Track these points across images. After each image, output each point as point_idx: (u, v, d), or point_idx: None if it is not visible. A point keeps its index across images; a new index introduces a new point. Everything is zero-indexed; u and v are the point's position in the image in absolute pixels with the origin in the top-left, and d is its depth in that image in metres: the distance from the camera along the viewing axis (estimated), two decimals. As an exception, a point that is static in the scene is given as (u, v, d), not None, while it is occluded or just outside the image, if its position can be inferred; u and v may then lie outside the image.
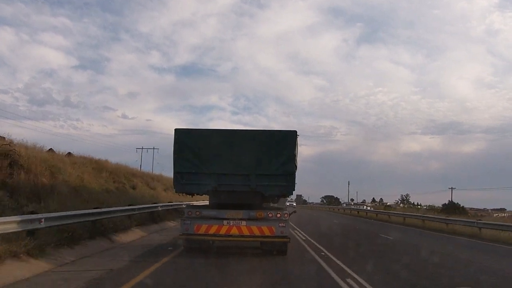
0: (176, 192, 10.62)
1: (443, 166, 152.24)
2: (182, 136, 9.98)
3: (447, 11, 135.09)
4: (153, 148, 61.64)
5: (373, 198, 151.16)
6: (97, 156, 21.50)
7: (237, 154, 9.86)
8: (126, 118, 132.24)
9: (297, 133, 10.12)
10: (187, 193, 10.87)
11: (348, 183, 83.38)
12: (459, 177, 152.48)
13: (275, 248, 10.00)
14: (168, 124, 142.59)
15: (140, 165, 50.60)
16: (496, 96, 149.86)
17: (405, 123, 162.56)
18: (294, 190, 10.26)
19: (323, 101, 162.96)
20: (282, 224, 9.60)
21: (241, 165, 9.78)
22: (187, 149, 9.87)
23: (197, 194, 11.21)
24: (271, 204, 11.86)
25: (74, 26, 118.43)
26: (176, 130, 10.02)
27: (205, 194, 10.72)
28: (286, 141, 9.94)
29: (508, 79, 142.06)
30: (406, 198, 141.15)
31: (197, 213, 9.69)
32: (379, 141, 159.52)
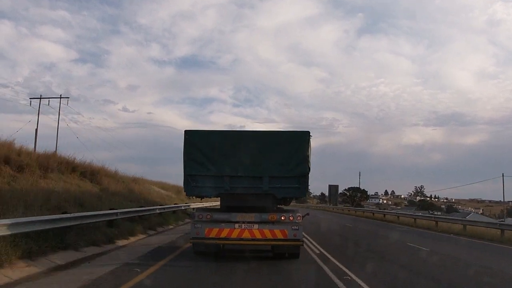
0: (187, 195, 10.40)
1: (446, 157, 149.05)
2: (192, 138, 9.78)
3: (449, 1, 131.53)
4: (60, 97, 36.58)
5: (386, 190, 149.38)
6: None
7: (249, 155, 9.65)
8: (126, 111, 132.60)
9: (310, 134, 9.90)
10: (197, 196, 10.69)
11: (359, 174, 78.88)
12: (463, 169, 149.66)
13: (287, 252, 9.88)
14: (168, 117, 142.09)
15: (35, 137, 32.26)
16: (498, 87, 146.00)
17: (407, 115, 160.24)
18: (307, 192, 10.04)
19: (324, 93, 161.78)
20: (295, 227, 9.42)
21: (253, 167, 9.61)
22: (197, 151, 9.68)
23: (208, 197, 10.96)
24: (283, 207, 11.66)
25: (73, 19, 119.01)
26: (186, 131, 9.84)
27: (216, 197, 10.51)
28: (298, 142, 9.73)
29: (510, 70, 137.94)
30: (421, 190, 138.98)
31: (208, 216, 9.51)
32: (381, 133, 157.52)
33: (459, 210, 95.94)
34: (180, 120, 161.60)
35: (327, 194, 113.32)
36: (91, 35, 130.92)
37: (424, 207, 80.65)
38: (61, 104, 36.10)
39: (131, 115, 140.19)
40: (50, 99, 36.41)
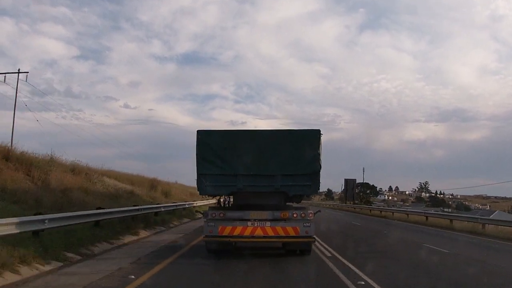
0: (200, 194, 10.72)
1: (448, 153, 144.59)
2: (205, 138, 9.83)
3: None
4: (17, 72, 29.96)
5: (390, 186, 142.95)
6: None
7: (261, 154, 9.75)
8: (128, 107, 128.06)
9: (321, 132, 9.96)
10: (211, 195, 11.59)
11: (363, 169, 71.63)
12: (463, 165, 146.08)
13: (299, 248, 10.05)
14: (170, 114, 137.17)
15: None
16: (500, 83, 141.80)
17: (409, 111, 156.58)
18: (319, 189, 10.23)
19: (325, 89, 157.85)
20: (307, 224, 9.53)
21: (265, 166, 9.69)
22: (210, 151, 9.75)
23: (220, 196, 11.46)
24: (294, 204, 11.45)
25: (74, 15, 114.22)
26: (198, 131, 9.87)
27: (229, 195, 10.93)
28: (310, 140, 9.81)
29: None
30: (425, 186, 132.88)
31: (221, 214, 9.62)
32: (383, 128, 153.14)
33: (471, 208, 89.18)
34: (181, 117, 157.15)
35: (333, 190, 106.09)
36: (92, 32, 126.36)
37: (435, 204, 73.80)
38: (19, 80, 29.62)
39: (133, 112, 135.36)
40: (7, 74, 30.35)
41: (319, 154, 9.70)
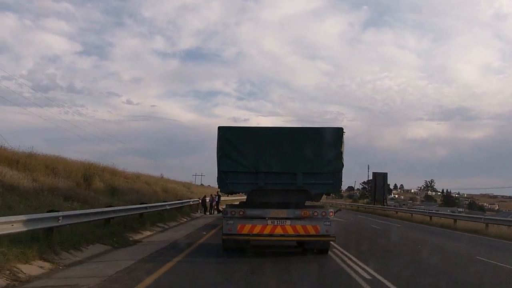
0: (221, 191, 10.89)
1: (451, 152, 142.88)
2: (226, 134, 9.77)
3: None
4: None
5: (395, 184, 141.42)
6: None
7: (283, 152, 9.69)
8: (130, 103, 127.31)
9: (344, 130, 9.84)
10: (232, 193, 11.01)
11: (368, 167, 67.75)
12: (465, 163, 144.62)
13: (316, 247, 9.93)
14: (172, 110, 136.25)
15: None
16: (503, 82, 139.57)
17: (412, 109, 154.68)
18: (341, 188, 10.39)
19: (328, 86, 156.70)
20: (328, 223, 9.47)
21: (287, 163, 9.60)
22: (231, 148, 9.68)
23: (242, 193, 11.43)
24: (312, 203, 11.37)
25: (77, 11, 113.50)
26: (219, 127, 9.81)
27: (250, 193, 10.58)
28: (332, 138, 9.72)
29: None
30: (431, 184, 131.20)
31: (241, 212, 9.53)
32: (386, 127, 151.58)
33: (485, 207, 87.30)
34: (184, 113, 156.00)
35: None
36: (95, 28, 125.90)
37: (448, 204, 71.78)
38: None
39: (135, 108, 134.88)
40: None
41: (341, 152, 9.63)
